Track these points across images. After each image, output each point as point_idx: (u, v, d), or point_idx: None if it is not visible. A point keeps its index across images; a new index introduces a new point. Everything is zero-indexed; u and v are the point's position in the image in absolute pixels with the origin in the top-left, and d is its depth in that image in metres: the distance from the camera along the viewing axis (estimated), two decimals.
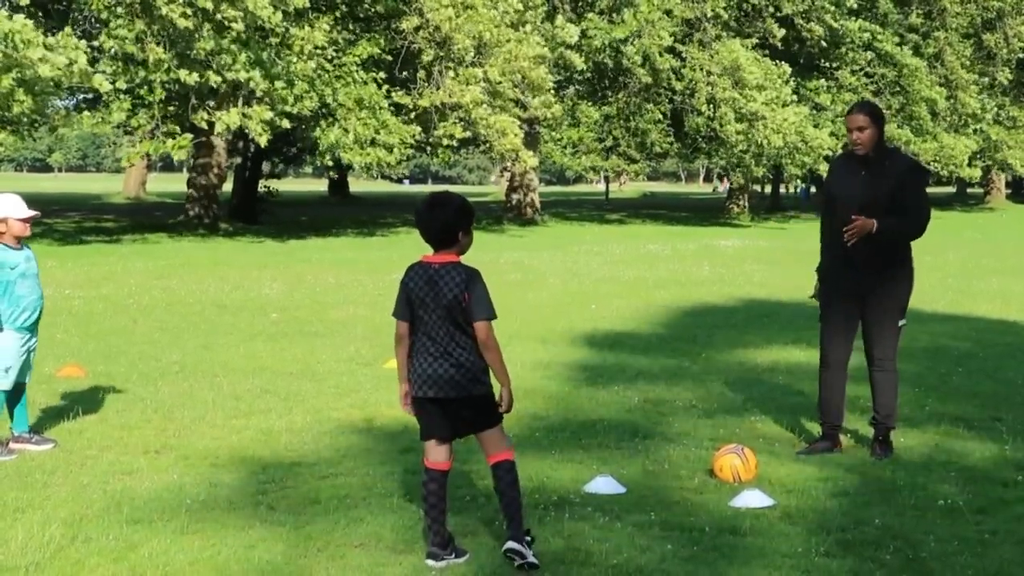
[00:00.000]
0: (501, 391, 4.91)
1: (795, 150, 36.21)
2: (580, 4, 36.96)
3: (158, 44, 23.34)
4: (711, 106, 36.59)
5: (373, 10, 28.69)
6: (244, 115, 24.47)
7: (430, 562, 4.90)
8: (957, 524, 5.55)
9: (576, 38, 33.15)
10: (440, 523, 4.94)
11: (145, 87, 24.03)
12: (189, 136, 25.34)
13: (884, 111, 39.54)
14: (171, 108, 25.79)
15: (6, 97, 20.75)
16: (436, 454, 4.99)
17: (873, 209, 6.69)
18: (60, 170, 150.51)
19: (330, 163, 27.41)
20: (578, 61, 33.45)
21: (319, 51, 25.93)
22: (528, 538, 4.92)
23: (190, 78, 23.05)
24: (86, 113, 25.57)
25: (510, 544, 4.84)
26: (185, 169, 53.05)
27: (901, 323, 6.93)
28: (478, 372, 4.88)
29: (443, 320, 4.85)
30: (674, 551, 5.08)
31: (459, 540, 5.05)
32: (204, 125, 24.64)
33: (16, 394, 6.97)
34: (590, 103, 39.31)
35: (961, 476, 6.40)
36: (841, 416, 7.08)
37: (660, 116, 38.55)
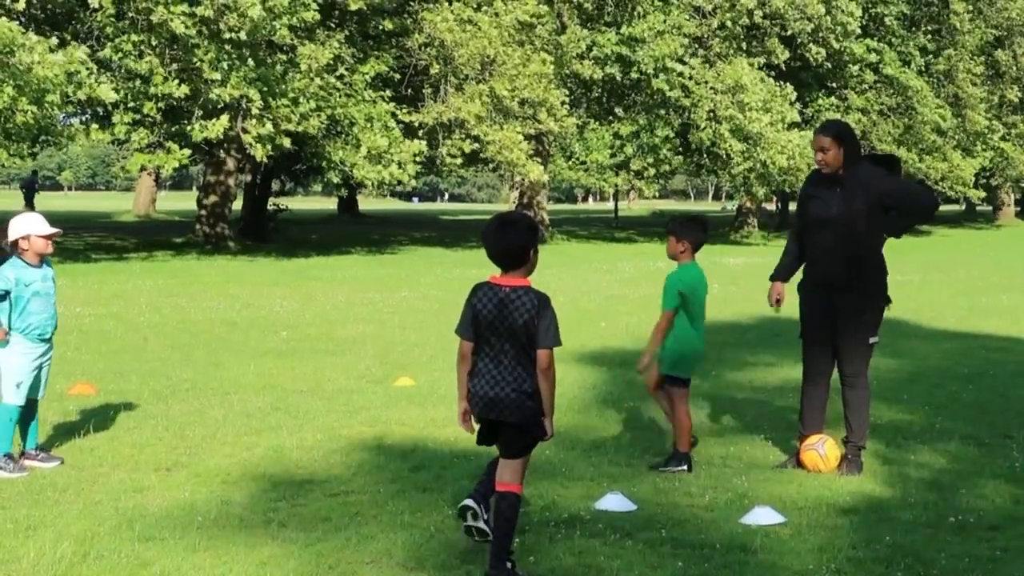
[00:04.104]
0: (544, 419, 4.93)
1: (800, 171, 36.16)
2: (588, 20, 37.01)
3: (158, 57, 23.42)
4: (711, 124, 36.63)
5: (381, 28, 28.77)
6: (243, 130, 24.50)
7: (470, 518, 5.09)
8: (968, 541, 5.54)
9: (585, 45, 33.46)
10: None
11: (146, 100, 24.04)
12: (187, 151, 25.37)
13: (886, 134, 38.84)
14: (174, 128, 25.83)
15: (8, 108, 20.58)
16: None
17: (852, 224, 6.87)
18: (70, 188, 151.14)
19: (339, 181, 27.40)
20: (588, 69, 33.62)
21: (328, 68, 25.95)
22: (509, 562, 4.92)
23: (179, 91, 23.09)
24: (94, 126, 25.60)
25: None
26: (195, 187, 53.20)
27: (873, 340, 7.03)
28: (540, 400, 4.89)
29: (511, 345, 4.85)
30: (685, 568, 5.08)
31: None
32: (197, 138, 24.65)
33: (28, 411, 7.00)
34: (601, 123, 39.24)
35: (972, 494, 6.39)
36: (821, 429, 7.16)
37: (672, 132, 38.51)
